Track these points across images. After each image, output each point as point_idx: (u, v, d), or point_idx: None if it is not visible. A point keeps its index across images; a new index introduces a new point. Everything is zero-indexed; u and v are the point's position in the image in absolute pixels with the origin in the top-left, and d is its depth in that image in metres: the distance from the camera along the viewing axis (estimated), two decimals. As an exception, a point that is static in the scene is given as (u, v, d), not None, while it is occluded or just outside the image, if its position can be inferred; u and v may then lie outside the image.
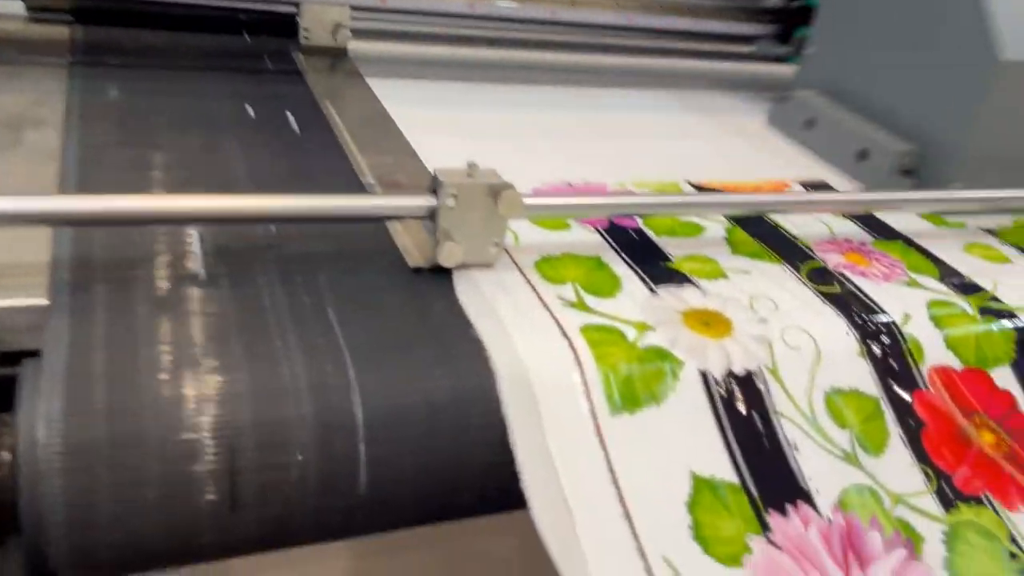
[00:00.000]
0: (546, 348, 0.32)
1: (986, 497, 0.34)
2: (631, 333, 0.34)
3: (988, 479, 0.35)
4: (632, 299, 0.37)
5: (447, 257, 0.34)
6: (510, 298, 0.35)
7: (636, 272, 0.39)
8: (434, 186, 0.34)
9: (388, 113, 0.52)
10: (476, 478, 0.29)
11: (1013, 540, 0.33)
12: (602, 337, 0.33)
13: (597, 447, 0.31)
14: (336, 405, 0.28)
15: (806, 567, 0.30)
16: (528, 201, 0.36)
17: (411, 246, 0.37)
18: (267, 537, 0.28)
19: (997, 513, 0.34)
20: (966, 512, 0.33)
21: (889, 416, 0.36)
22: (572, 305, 0.35)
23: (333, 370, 0.29)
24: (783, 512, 0.31)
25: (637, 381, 0.33)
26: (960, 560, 0.32)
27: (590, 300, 0.36)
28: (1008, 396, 0.38)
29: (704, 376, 0.34)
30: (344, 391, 0.28)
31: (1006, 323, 0.41)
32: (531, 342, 0.32)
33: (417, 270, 0.35)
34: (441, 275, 0.35)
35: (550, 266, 0.38)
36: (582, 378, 0.32)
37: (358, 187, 0.42)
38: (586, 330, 0.33)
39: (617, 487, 0.30)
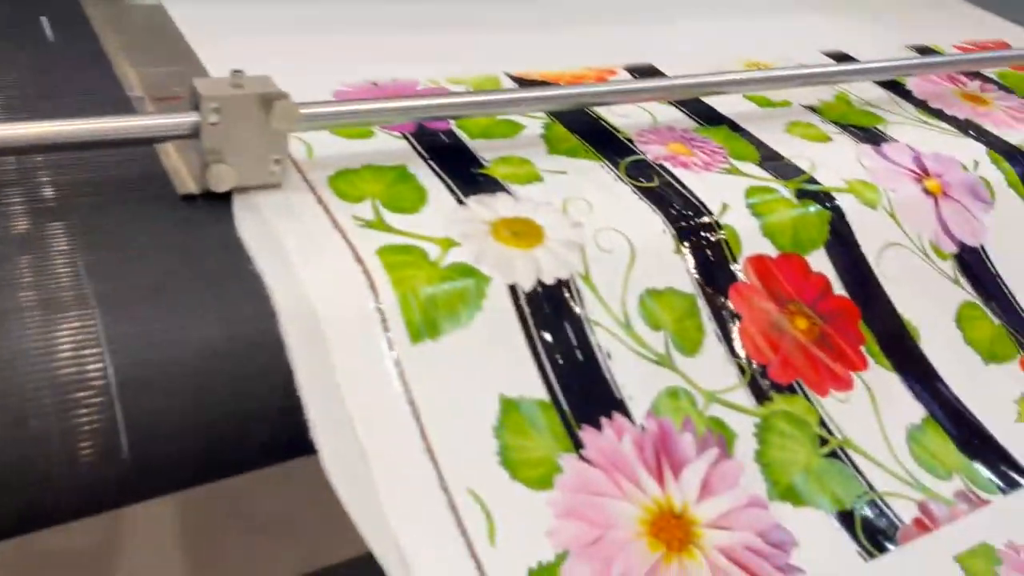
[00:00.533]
0: (336, 278, 0.29)
1: (798, 384, 0.35)
2: (434, 251, 0.32)
3: (800, 366, 0.35)
4: (438, 213, 0.34)
5: (217, 180, 0.30)
6: (297, 223, 0.31)
7: (445, 182, 0.36)
8: (195, 100, 0.30)
9: (168, 14, 0.46)
10: (260, 430, 0.27)
11: (823, 424, 0.34)
12: (401, 259, 0.31)
13: (396, 381, 0.29)
14: (80, 365, 0.24)
15: (617, 479, 0.29)
16: (307, 111, 0.32)
17: (181, 170, 0.32)
18: (22, 523, 0.25)
19: (808, 399, 0.34)
20: (779, 402, 0.34)
21: (705, 313, 0.35)
22: (369, 225, 0.32)
23: (79, 326, 0.25)
24: (597, 426, 0.30)
25: (440, 304, 0.30)
26: (769, 451, 0.32)
27: (391, 218, 0.33)
28: (822, 279, 0.39)
29: (513, 290, 0.32)
30: (91, 348, 0.25)
31: (821, 205, 0.40)
32: (319, 273, 0.29)
33: (189, 198, 0.31)
34: (218, 203, 0.31)
35: (347, 181, 0.34)
36: (378, 307, 0.29)
37: (123, 105, 0.37)
38: (384, 252, 0.31)
39: (419, 421, 0.28)
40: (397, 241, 0.32)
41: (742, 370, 0.34)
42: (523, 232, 0.34)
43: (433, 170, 0.36)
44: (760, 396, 0.34)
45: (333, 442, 0.26)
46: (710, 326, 0.35)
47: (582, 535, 0.28)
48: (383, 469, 0.27)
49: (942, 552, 0.31)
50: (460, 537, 0.26)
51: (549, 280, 0.33)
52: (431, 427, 0.28)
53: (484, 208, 0.35)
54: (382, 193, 0.34)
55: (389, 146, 0.38)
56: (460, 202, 0.35)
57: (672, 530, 0.29)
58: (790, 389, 0.34)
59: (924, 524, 0.32)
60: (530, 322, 0.32)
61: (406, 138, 0.38)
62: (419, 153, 0.38)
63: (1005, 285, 0.44)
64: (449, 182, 0.36)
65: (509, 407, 0.30)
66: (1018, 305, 0.43)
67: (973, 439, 0.36)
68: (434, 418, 0.28)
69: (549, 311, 0.32)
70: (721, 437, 0.32)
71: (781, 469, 0.32)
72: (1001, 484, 0.34)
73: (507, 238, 0.33)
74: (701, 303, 0.35)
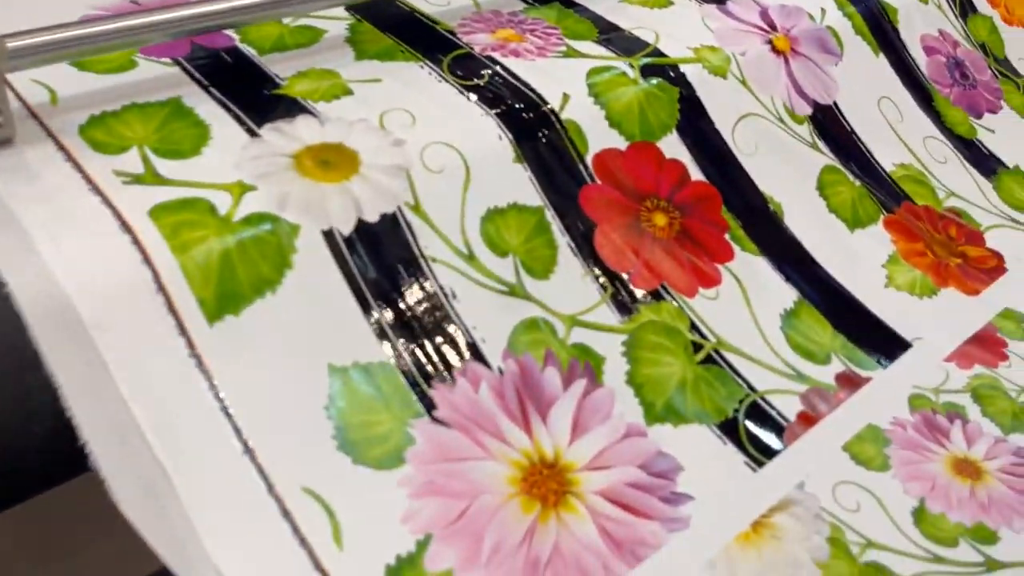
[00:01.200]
0: (96, 253, 0.24)
1: (664, 289, 0.32)
2: (223, 202, 0.26)
3: (664, 269, 0.32)
4: (225, 152, 0.28)
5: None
6: (38, 187, 0.25)
7: (231, 111, 0.30)
8: None
9: None
10: (27, 456, 0.21)
11: (694, 328, 0.31)
12: (182, 218, 0.25)
13: (194, 373, 0.23)
14: None
15: (479, 436, 0.26)
16: (20, 43, 0.25)
17: None
18: None
19: (677, 303, 0.31)
20: (646, 313, 0.31)
21: (556, 227, 0.31)
22: (137, 180, 0.26)
23: None
24: (449, 380, 0.26)
25: (238, 269, 0.25)
26: (641, 370, 0.29)
27: (164, 167, 0.27)
28: (678, 166, 0.35)
29: (329, 237, 0.27)
30: None
31: (669, 81, 0.37)
32: (73, 249, 0.23)
33: None
34: (-73, 178, 0.24)
35: (105, 128, 0.28)
36: (157, 284, 0.24)
37: None
38: (158, 212, 0.25)
39: (230, 418, 0.23)
40: (175, 195, 0.26)
41: (602, 285, 0.31)
42: (334, 161, 0.29)
43: (215, 99, 0.30)
44: (625, 310, 0.30)
45: (118, 458, 0.21)
46: (562, 240, 0.31)
47: (445, 512, 0.24)
48: (191, 483, 0.22)
49: (829, 444, 0.29)
50: (300, 548, 0.22)
51: (372, 217, 0.28)
52: (247, 422, 0.23)
53: (282, 137, 0.29)
54: (151, 137, 0.28)
55: (156, 76, 0.31)
56: (252, 134, 0.29)
57: (546, 483, 0.25)
58: (655, 296, 0.31)
59: (809, 417, 0.30)
60: (355, 272, 0.27)
61: (178, 64, 0.32)
62: (196, 80, 0.31)
63: (861, 141, 0.42)
64: (237, 111, 0.30)
65: (341, 378, 0.25)
66: (875, 161, 0.42)
67: (846, 314, 0.34)
68: (249, 410, 0.24)
69: (376, 255, 0.27)
70: (588, 365, 0.29)
71: (656, 388, 0.29)
72: (880, 357, 0.33)
73: (315, 172, 0.28)
74: (550, 216, 0.31)
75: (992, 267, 0.38)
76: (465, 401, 0.26)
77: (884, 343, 0.34)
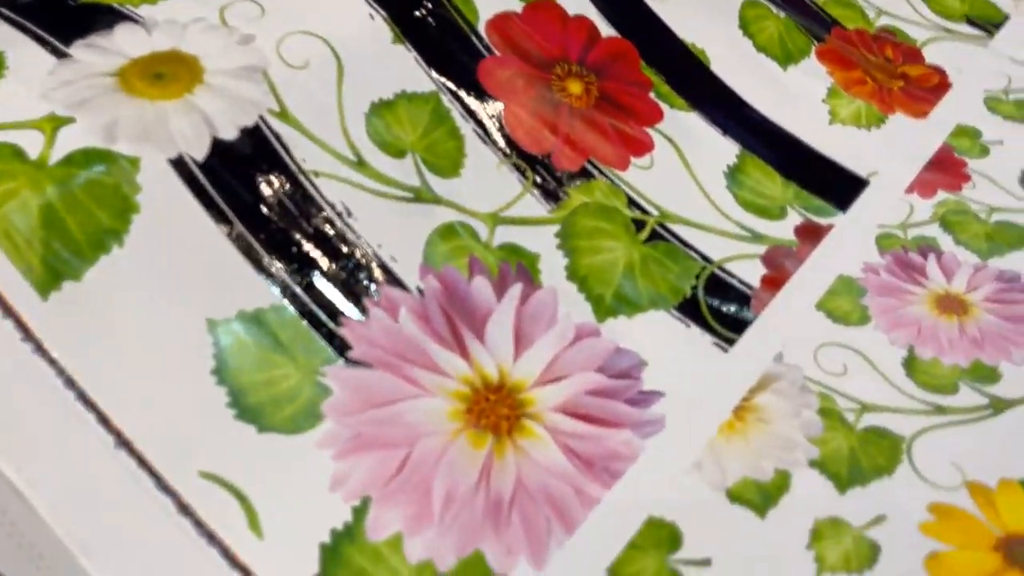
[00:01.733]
0: None
1: (591, 164, 0.27)
2: (34, 143, 0.21)
3: (587, 142, 0.28)
4: (26, 82, 0.22)
5: None
6: None
7: (29, 31, 0.24)
8: None
9: None
10: None
11: (632, 203, 0.27)
12: (-19, 172, 0.20)
13: (37, 361, 0.19)
14: None
15: (406, 371, 0.22)
16: None
17: None
18: None
19: (609, 179, 0.27)
20: (576, 196, 0.26)
21: (456, 112, 0.26)
22: (-85, 134, 0.20)
23: None
24: (360, 313, 0.22)
25: (69, 223, 0.20)
26: (580, 260, 0.25)
27: (-51, 112, 0.21)
28: (585, 22, 0.31)
29: (180, 166, 0.22)
30: None
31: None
32: None
33: None
34: None
35: None
36: (-38, 261, 0.19)
37: None
38: (-51, 171, 0.19)
39: (94, 408, 0.19)
40: (-32, 146, 0.20)
41: (522, 172, 0.26)
42: (170, 73, 0.23)
43: (7, 20, 0.24)
44: (551, 197, 0.26)
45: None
46: (467, 127, 0.26)
47: (380, 467, 0.20)
48: (56, 496, 0.18)
49: (801, 306, 0.26)
50: (209, 546, 0.18)
51: (229, 133, 0.23)
52: (115, 407, 0.19)
53: (99, 54, 0.23)
54: (-75, 78, 0.22)
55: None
56: (61, 55, 0.23)
57: (495, 409, 0.22)
58: (583, 175, 0.27)
59: (774, 279, 0.27)
60: (221, 204, 0.22)
61: (-48, -18, 0.25)
62: (-21, 0, 0.25)
63: (778, -31, 0.38)
64: (36, 30, 0.24)
65: (226, 332, 0.21)
66: (796, -12, 0.38)
67: (794, 160, 0.31)
68: (116, 392, 0.19)
69: (243, 179, 0.22)
70: (521, 266, 0.24)
71: (601, 278, 0.25)
72: (837, 201, 0.29)
73: (147, 89, 0.23)
74: (447, 101, 0.26)
75: (936, 84, 0.35)
76: (383, 334, 0.22)
77: (839, 184, 0.30)
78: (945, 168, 0.31)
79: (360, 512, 0.19)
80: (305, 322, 0.21)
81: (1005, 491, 0.21)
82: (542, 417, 0.22)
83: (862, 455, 0.22)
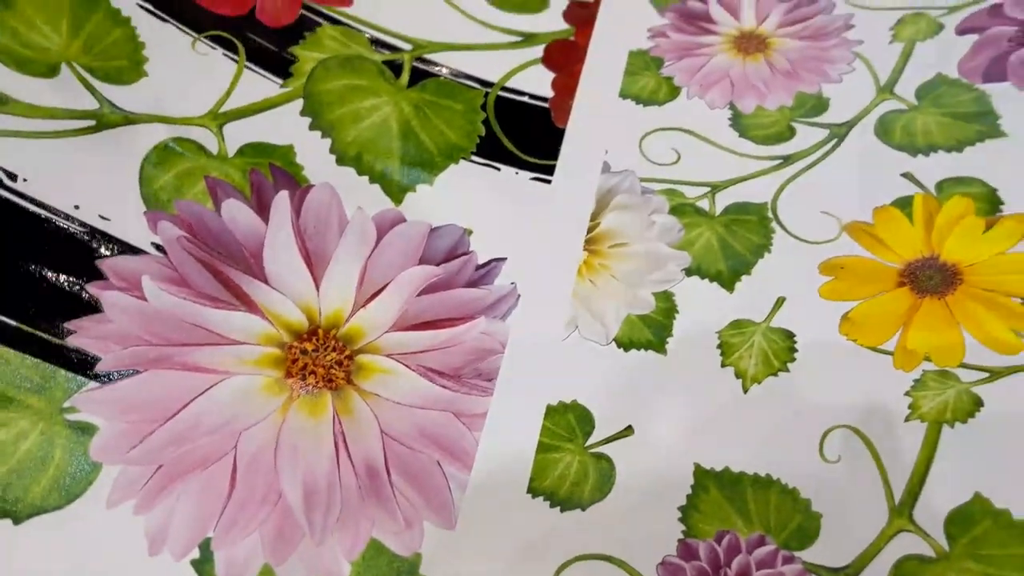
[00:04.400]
0: None
1: (308, 10, 0.21)
2: None
3: (294, -18, 0.21)
4: None
5: None
6: None
7: None
8: None
9: None
10: None
11: (377, 44, 0.22)
12: None
13: None
14: None
15: (181, 359, 0.16)
16: None
17: None
18: None
19: (335, 22, 0.21)
20: (306, 56, 0.21)
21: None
22: None
23: None
24: (89, 304, 0.16)
25: None
26: (342, 133, 0.20)
27: None
28: None
29: None
30: None
31: None
32: None
33: None
34: None
35: None
36: None
37: None
38: None
39: None
40: None
41: (227, 45, 0.20)
42: None
43: None
44: (277, 66, 0.20)
45: None
46: (130, 4, 0.19)
47: (204, 496, 0.15)
48: None
49: (603, 100, 0.22)
50: None
51: None
52: None
53: None
54: None
55: None
56: None
57: (319, 359, 0.17)
58: (305, 26, 0.21)
59: (565, 82, 0.23)
60: None
61: None
62: None
63: None
64: None
65: None
66: None
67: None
68: None
69: None
70: (275, 168, 0.19)
71: (378, 148, 0.20)
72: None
73: None
74: (83, -21, 0.19)
75: None
76: (132, 321, 0.16)
77: None
78: None
79: (204, 565, 0.14)
80: (13, 351, 0.15)
81: (883, 219, 0.19)
82: (379, 346, 0.17)
83: (734, 240, 0.19)
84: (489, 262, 0.19)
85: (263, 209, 0.18)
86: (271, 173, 0.18)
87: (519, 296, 0.19)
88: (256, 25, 0.20)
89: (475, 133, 0.21)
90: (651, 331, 0.18)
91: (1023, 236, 0.18)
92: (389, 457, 0.16)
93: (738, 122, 0.22)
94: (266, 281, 0.17)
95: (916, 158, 0.20)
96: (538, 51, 0.23)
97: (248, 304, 0.17)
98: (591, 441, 0.17)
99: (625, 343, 0.18)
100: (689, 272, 0.19)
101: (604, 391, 0.17)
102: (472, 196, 0.20)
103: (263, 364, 0.16)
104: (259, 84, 0.20)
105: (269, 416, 0.16)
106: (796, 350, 0.18)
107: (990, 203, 0.19)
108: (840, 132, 0.21)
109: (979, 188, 0.19)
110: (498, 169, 0.21)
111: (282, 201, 0.18)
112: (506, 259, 0.19)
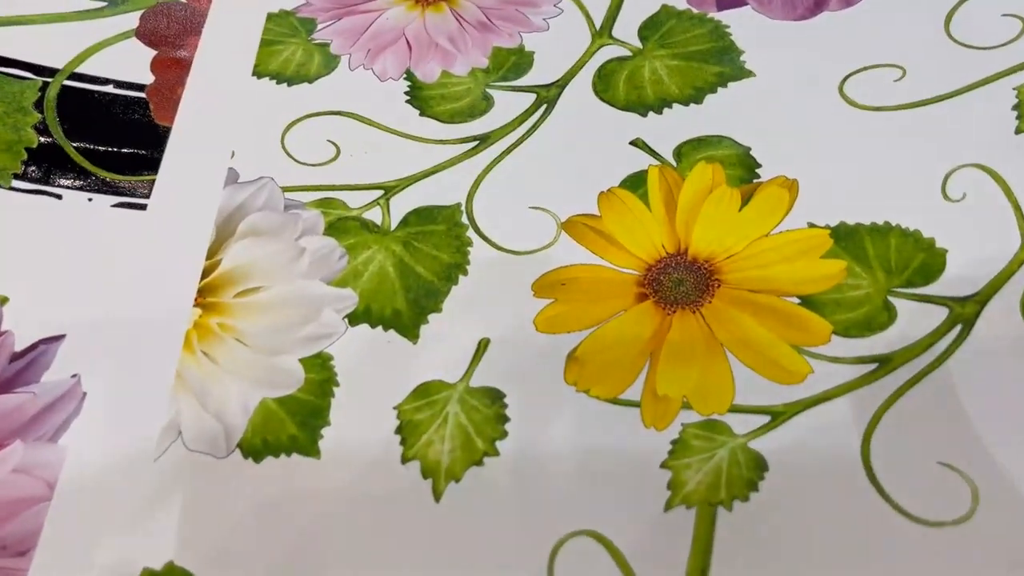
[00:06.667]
0: None
1: None
2: None
3: None
4: None
5: None
6: None
7: None
8: None
9: None
10: None
11: None
12: None
13: None
14: None
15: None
16: None
17: None
18: None
19: None
20: None
21: None
22: None
23: None
24: None
25: None
26: None
27: None
28: None
29: None
30: None
31: None
32: None
33: None
34: None
35: None
36: None
37: None
38: None
39: None
40: None
41: None
42: None
43: None
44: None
45: None
46: None
47: None
48: None
49: (237, 85, 0.16)
50: None
51: None
52: None
53: None
54: None
55: None
56: None
57: None
58: None
59: (170, 61, 0.16)
60: None
61: None
62: None
63: None
64: None
65: None
66: None
67: None
68: None
69: None
70: None
71: None
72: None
73: None
74: None
75: None
76: None
77: None
78: None
79: None
80: None
81: (611, 208, 0.14)
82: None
83: (417, 263, 0.14)
84: (36, 345, 0.12)
85: None
86: None
87: (85, 395, 0.12)
88: None
89: (21, 144, 0.14)
90: (297, 423, 0.12)
91: (789, 208, 0.14)
92: None
93: (418, 96, 0.16)
94: None
95: (648, 118, 0.15)
96: (131, 19, 0.16)
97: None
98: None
99: (258, 449, 0.12)
100: (355, 318, 0.13)
101: (223, 545, 0.11)
102: (9, 241, 0.13)
103: None
104: None
105: None
106: (507, 419, 0.12)
107: (745, 167, 0.14)
108: (550, 95, 0.16)
109: (728, 149, 0.15)
110: (58, 197, 0.14)
111: None
112: (64, 336, 0.12)
